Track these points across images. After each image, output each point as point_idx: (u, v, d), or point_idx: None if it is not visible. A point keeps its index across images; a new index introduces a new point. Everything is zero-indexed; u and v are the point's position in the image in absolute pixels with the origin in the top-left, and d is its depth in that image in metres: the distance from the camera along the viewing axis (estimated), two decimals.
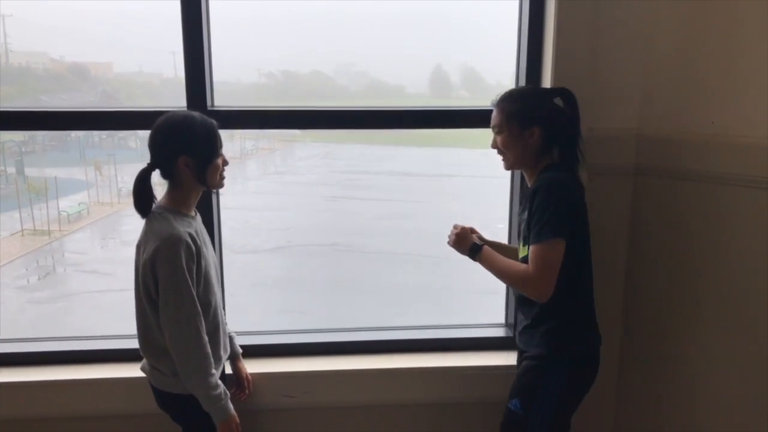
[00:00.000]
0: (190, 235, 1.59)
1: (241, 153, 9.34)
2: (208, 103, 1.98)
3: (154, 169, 1.61)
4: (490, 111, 1.74)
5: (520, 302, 1.73)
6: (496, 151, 1.73)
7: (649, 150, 1.99)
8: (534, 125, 1.64)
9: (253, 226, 8.09)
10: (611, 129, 1.99)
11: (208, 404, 1.62)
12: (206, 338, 1.61)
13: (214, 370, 1.62)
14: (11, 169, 7.96)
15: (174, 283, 1.54)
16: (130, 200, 1.61)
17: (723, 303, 1.90)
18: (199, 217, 1.73)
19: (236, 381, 1.95)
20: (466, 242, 1.73)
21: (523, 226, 1.67)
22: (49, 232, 7.56)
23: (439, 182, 9.72)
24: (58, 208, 7.74)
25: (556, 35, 1.92)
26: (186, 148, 1.59)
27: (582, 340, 1.70)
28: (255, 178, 9.96)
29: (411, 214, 8.29)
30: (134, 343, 1.72)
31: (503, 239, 2.15)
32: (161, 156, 1.60)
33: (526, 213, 1.65)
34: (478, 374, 2.09)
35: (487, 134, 1.77)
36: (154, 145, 1.60)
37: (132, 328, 1.69)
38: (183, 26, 1.93)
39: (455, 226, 1.78)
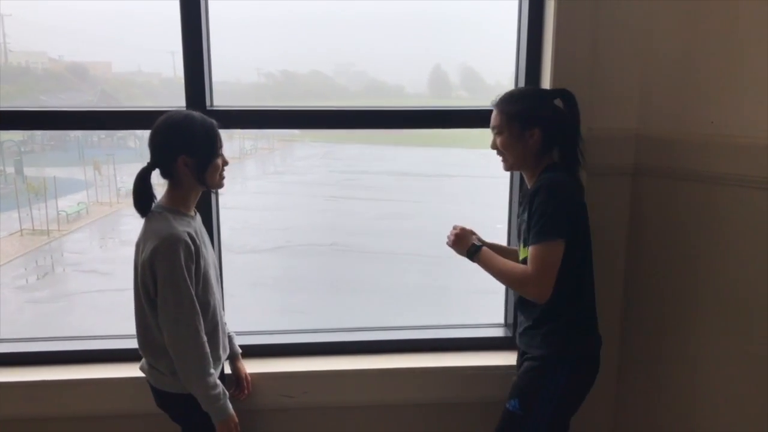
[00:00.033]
0: (189, 234, 1.59)
1: (240, 153, 9.33)
2: (208, 102, 1.98)
3: (153, 169, 1.61)
4: (490, 111, 1.74)
5: (520, 303, 1.73)
6: (495, 152, 1.73)
7: (648, 150, 1.99)
8: (534, 126, 1.64)
9: (253, 226, 8.08)
10: (610, 129, 2.00)
11: (206, 404, 1.62)
12: (205, 338, 1.61)
13: (212, 370, 1.62)
14: (10, 169, 7.95)
15: (173, 282, 1.54)
16: (130, 200, 1.62)
17: (722, 303, 1.90)
18: (198, 217, 1.73)
19: (235, 381, 1.95)
20: (465, 243, 1.73)
21: (523, 227, 1.67)
22: (48, 232, 7.55)
23: (438, 182, 9.72)
24: (57, 207, 7.73)
25: (556, 35, 1.92)
26: (185, 147, 1.59)
27: (583, 342, 1.70)
28: (254, 177, 9.95)
29: (410, 214, 8.28)
30: (133, 343, 1.72)
31: (502, 239, 2.15)
32: (161, 155, 1.60)
33: (525, 214, 1.65)
34: (477, 374, 2.09)
35: (486, 134, 1.77)
36: (153, 144, 1.60)
37: (131, 327, 1.69)
38: (182, 26, 1.92)
39: (455, 227, 1.78)
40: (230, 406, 1.66)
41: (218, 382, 1.64)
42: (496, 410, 1.78)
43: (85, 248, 7.87)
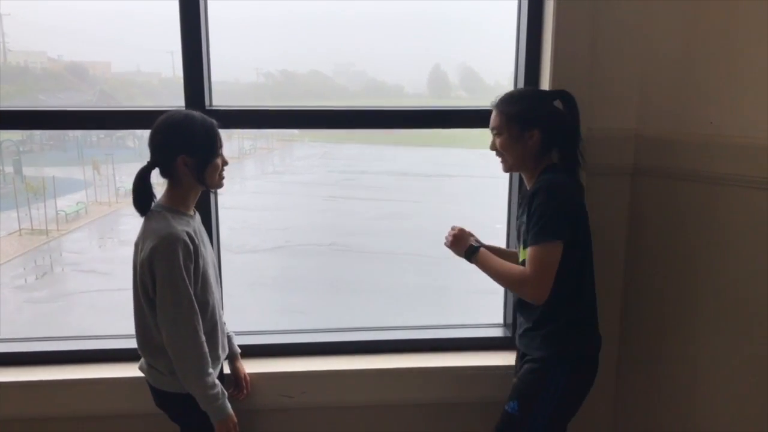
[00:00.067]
0: (188, 233, 1.58)
1: (239, 153, 9.33)
2: (207, 102, 1.98)
3: (153, 168, 1.61)
4: (489, 111, 1.73)
5: (520, 305, 1.72)
6: (494, 153, 1.73)
7: (647, 150, 1.99)
8: (533, 127, 1.63)
9: (252, 226, 8.08)
10: (610, 129, 2.00)
11: (205, 403, 1.62)
12: (203, 337, 1.61)
13: (211, 369, 1.62)
14: (9, 169, 7.95)
15: (171, 281, 1.54)
16: (129, 200, 1.62)
17: (721, 303, 1.90)
18: (198, 217, 1.73)
19: (234, 381, 1.95)
20: (463, 243, 1.73)
21: (522, 229, 1.67)
22: (47, 232, 7.54)
23: (437, 182, 9.72)
24: (56, 207, 7.73)
25: (555, 35, 1.92)
26: (185, 147, 1.58)
27: (583, 343, 1.70)
28: (253, 177, 9.95)
29: (410, 214, 8.29)
30: (132, 343, 1.72)
31: (501, 239, 2.15)
32: (160, 154, 1.60)
33: (524, 216, 1.64)
34: (476, 374, 2.08)
35: (485, 134, 1.77)
36: (153, 143, 1.60)
37: (130, 327, 1.69)
38: (181, 26, 1.92)
39: (453, 228, 1.78)
40: (229, 405, 1.66)
41: (216, 381, 1.64)
42: (495, 410, 1.78)
43: (83, 248, 7.87)
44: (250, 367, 2.01)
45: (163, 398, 1.71)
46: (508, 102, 1.68)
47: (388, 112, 2.08)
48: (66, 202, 7.98)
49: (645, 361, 2.11)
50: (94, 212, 8.10)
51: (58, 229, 7.65)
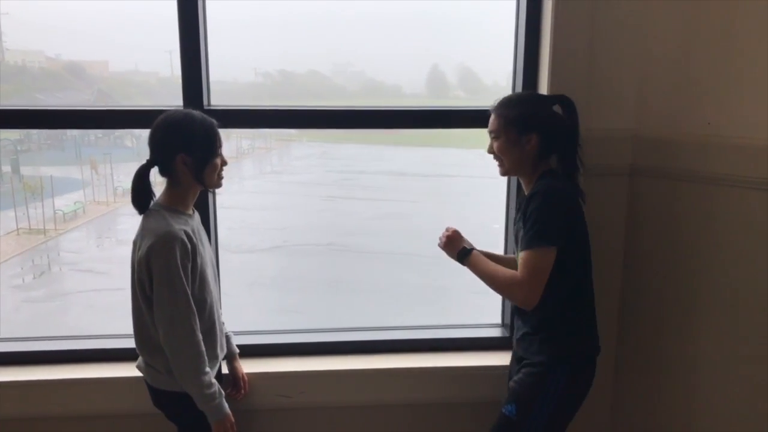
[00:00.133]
0: (186, 232, 1.59)
1: (237, 152, 9.32)
2: (205, 102, 1.98)
3: (152, 166, 1.62)
4: (487, 111, 1.74)
5: (519, 309, 1.72)
6: (492, 156, 1.73)
7: (645, 150, 1.99)
8: (531, 132, 1.63)
9: (250, 226, 8.07)
10: (608, 129, 2.00)
11: (202, 403, 1.62)
12: (200, 336, 1.61)
13: (208, 369, 1.62)
14: (6, 168, 7.92)
15: (168, 280, 1.54)
16: (127, 199, 1.62)
17: (719, 303, 1.90)
18: (197, 216, 1.73)
19: (232, 381, 1.95)
20: (456, 245, 1.73)
21: (521, 234, 1.66)
22: (44, 231, 7.53)
23: (436, 182, 9.72)
24: (54, 206, 7.71)
25: (553, 36, 1.92)
26: (184, 146, 1.59)
27: (582, 348, 1.70)
28: (251, 177, 9.94)
29: (408, 214, 8.28)
30: (130, 343, 1.72)
31: (500, 239, 2.15)
32: (160, 153, 1.61)
33: (522, 221, 1.64)
34: (475, 374, 2.09)
35: (484, 134, 1.77)
36: (153, 141, 1.61)
37: (127, 327, 1.69)
38: (179, 25, 1.92)
39: (447, 229, 1.78)
40: (226, 405, 1.66)
41: (213, 381, 1.64)
42: (493, 410, 1.78)
43: (81, 247, 7.85)
44: (248, 366, 2.01)
45: (160, 397, 1.71)
46: (506, 105, 1.68)
47: (387, 112, 2.08)
48: (64, 202, 7.96)
49: (643, 361, 2.11)
50: (92, 212, 8.08)
51: (55, 229, 7.63)
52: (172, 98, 2.00)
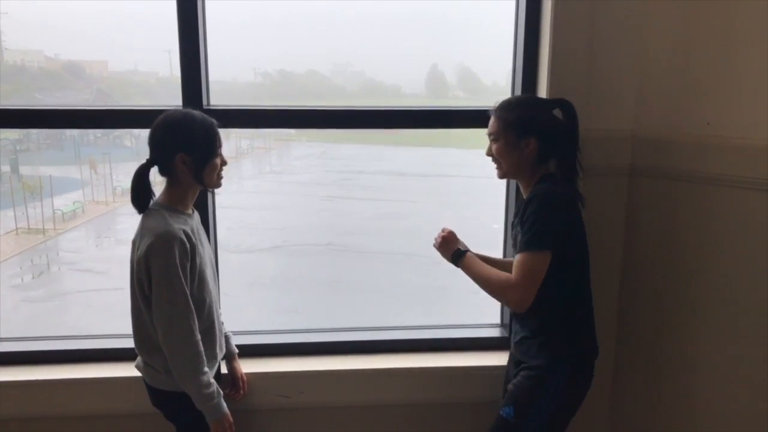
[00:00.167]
0: (185, 232, 1.58)
1: (236, 152, 9.32)
2: (204, 102, 1.98)
3: (152, 166, 1.61)
4: (486, 111, 1.74)
5: (519, 313, 1.71)
6: (490, 158, 1.73)
7: (644, 151, 2.00)
8: (530, 135, 1.63)
9: (249, 226, 8.07)
10: (607, 130, 2.00)
11: (200, 402, 1.62)
12: (199, 336, 1.60)
13: (206, 368, 1.62)
14: (6, 168, 7.92)
15: (167, 279, 1.54)
16: (125, 199, 1.62)
17: (718, 303, 1.90)
18: (196, 215, 1.73)
19: (231, 381, 1.95)
20: (452, 246, 1.72)
21: (519, 238, 1.66)
22: (43, 231, 7.53)
23: (435, 182, 9.72)
24: (53, 206, 7.71)
25: (552, 36, 1.92)
26: (184, 145, 1.59)
27: (581, 351, 1.70)
28: (251, 177, 9.94)
29: (407, 214, 8.29)
30: (128, 343, 1.72)
31: (499, 239, 2.15)
32: (159, 153, 1.61)
33: (519, 225, 1.64)
34: (474, 374, 2.09)
35: (483, 134, 1.77)
36: (153, 141, 1.61)
37: (126, 327, 1.69)
38: (179, 25, 1.92)
39: (443, 229, 1.77)
40: (224, 405, 1.66)
41: (212, 380, 1.64)
42: (492, 410, 1.78)
43: (80, 247, 7.85)
44: (248, 366, 2.00)
45: (159, 397, 1.71)
46: (506, 108, 1.67)
47: (386, 112, 2.08)
48: (63, 201, 7.96)
49: (642, 361, 2.11)
50: (91, 211, 8.08)
51: (54, 228, 7.63)
52: (171, 98, 1.99)
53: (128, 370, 1.86)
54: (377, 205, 8.80)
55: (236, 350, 1.97)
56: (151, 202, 1.63)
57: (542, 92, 1.99)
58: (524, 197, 1.69)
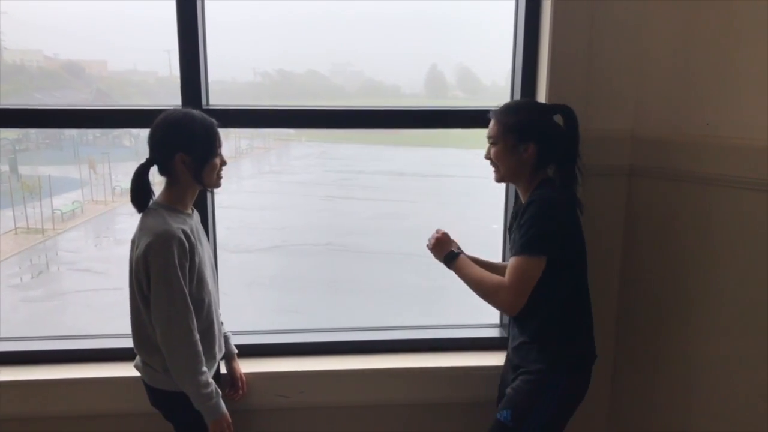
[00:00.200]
0: (184, 231, 1.58)
1: (236, 152, 9.32)
2: (203, 101, 1.98)
3: (151, 165, 1.62)
4: (485, 111, 1.74)
5: (517, 317, 1.71)
6: (489, 162, 1.72)
7: (643, 151, 2.00)
8: (529, 140, 1.63)
9: (249, 225, 8.07)
10: (606, 130, 2.00)
11: (198, 402, 1.62)
12: (197, 336, 1.60)
13: (204, 368, 1.62)
14: (4, 167, 7.91)
15: (165, 279, 1.54)
16: (125, 199, 1.63)
17: (717, 304, 1.90)
18: (196, 215, 1.73)
19: (230, 381, 1.95)
20: (445, 248, 1.72)
21: (515, 241, 1.66)
22: (42, 231, 7.52)
23: (434, 182, 9.72)
24: (52, 206, 7.70)
25: (552, 36, 1.92)
26: (183, 145, 1.59)
27: (580, 357, 1.70)
28: (250, 177, 9.94)
29: (407, 214, 8.28)
30: (127, 342, 1.72)
31: (498, 240, 2.15)
32: (159, 152, 1.61)
33: (516, 229, 1.64)
34: (473, 374, 2.09)
35: (482, 134, 1.77)
36: (152, 140, 1.61)
37: (125, 326, 1.69)
38: (178, 25, 1.92)
39: (437, 231, 1.77)
40: (223, 405, 1.66)
41: (210, 380, 1.64)
42: (491, 410, 1.78)
43: (79, 247, 7.84)
44: (247, 366, 2.00)
45: (157, 397, 1.71)
46: (506, 112, 1.67)
47: (386, 112, 2.08)
48: (62, 201, 7.95)
49: (640, 361, 2.11)
50: (90, 211, 8.07)
51: (53, 228, 7.62)
52: (170, 98, 1.99)
53: (127, 370, 1.86)
54: (376, 205, 8.80)
55: (236, 350, 1.96)
56: (151, 201, 1.63)
57: (542, 92, 1.99)
58: (522, 202, 1.68)
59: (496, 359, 2.11)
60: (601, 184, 2.01)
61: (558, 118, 1.70)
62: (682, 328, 1.99)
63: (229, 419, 1.67)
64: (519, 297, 1.56)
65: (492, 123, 1.69)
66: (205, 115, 1.65)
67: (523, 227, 1.57)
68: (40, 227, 7.52)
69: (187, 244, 1.58)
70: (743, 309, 1.85)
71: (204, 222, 1.95)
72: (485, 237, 1.85)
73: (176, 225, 1.58)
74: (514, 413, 1.66)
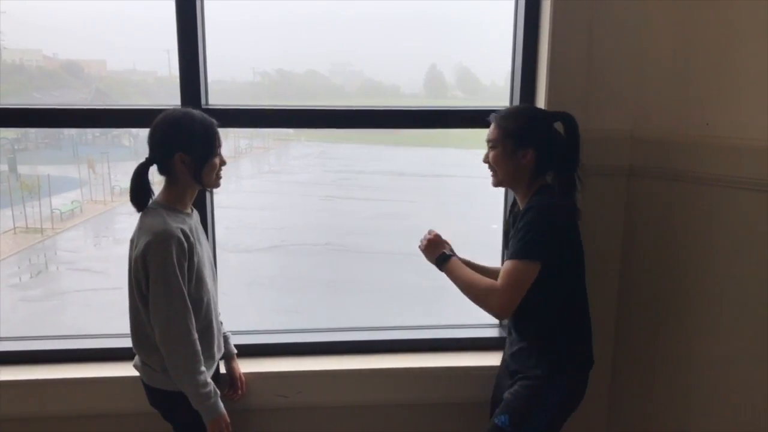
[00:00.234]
0: (183, 231, 1.58)
1: (235, 152, 9.32)
2: (203, 101, 1.97)
3: (151, 164, 1.61)
4: (484, 111, 1.74)
5: (516, 323, 1.71)
6: (487, 165, 1.72)
7: (643, 151, 2.00)
8: (528, 146, 1.62)
9: (248, 225, 8.07)
10: (606, 130, 2.00)
11: (197, 402, 1.62)
12: (196, 335, 1.60)
13: (203, 368, 1.62)
14: (4, 167, 7.91)
15: (164, 278, 1.54)
16: (124, 198, 1.63)
17: (717, 304, 1.90)
18: (196, 215, 1.73)
19: (230, 381, 1.95)
20: (437, 250, 1.71)
21: (510, 245, 1.65)
22: (41, 230, 7.52)
23: (434, 182, 9.73)
24: (51, 206, 7.70)
25: (552, 36, 1.92)
26: (183, 145, 1.59)
27: (578, 362, 1.70)
28: (249, 176, 9.94)
29: (406, 213, 8.28)
30: (126, 342, 1.71)
31: (497, 240, 2.15)
32: (158, 151, 1.61)
33: (513, 235, 1.63)
34: (472, 374, 2.09)
35: (481, 134, 1.77)
36: (152, 139, 1.61)
37: (124, 326, 1.69)
38: (178, 25, 1.92)
39: (429, 232, 1.76)
40: (221, 405, 1.65)
41: (209, 380, 1.63)
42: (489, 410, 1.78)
43: (78, 246, 7.84)
44: (246, 366, 2.00)
45: (156, 396, 1.71)
46: (507, 117, 1.66)
47: (385, 111, 2.08)
48: (61, 201, 7.95)
49: (639, 361, 2.11)
50: (89, 211, 8.07)
51: (53, 228, 7.62)
52: (169, 97, 1.99)
53: (126, 370, 1.86)
54: (376, 205, 8.80)
55: (235, 351, 1.96)
56: (151, 201, 1.63)
57: (541, 92, 1.99)
58: (520, 207, 1.68)
59: (495, 359, 2.11)
60: (601, 184, 2.01)
61: (559, 126, 1.69)
62: (682, 328, 1.99)
63: (228, 419, 1.67)
64: (510, 301, 1.55)
65: (492, 127, 1.69)
66: (206, 115, 1.64)
67: (521, 231, 1.56)
68: (39, 227, 7.52)
69: (185, 244, 1.58)
70: (743, 309, 1.85)
71: (203, 222, 1.95)
72: (485, 237, 1.85)
73: (175, 224, 1.58)
74: (513, 418, 1.65)
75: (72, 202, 8.01)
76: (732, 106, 1.82)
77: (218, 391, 1.66)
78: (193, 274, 1.62)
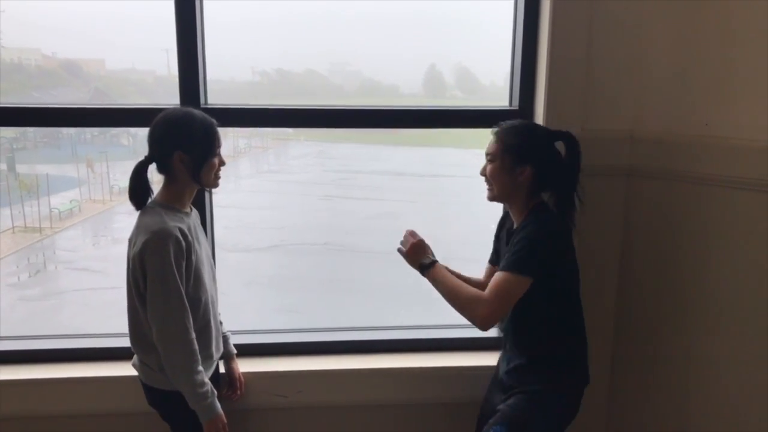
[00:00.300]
0: (181, 230, 1.58)
1: (234, 151, 9.30)
2: (202, 100, 1.97)
3: (150, 163, 1.62)
4: (484, 111, 1.74)
5: (516, 341, 1.70)
6: (483, 179, 1.71)
7: (642, 151, 2.00)
8: (526, 164, 1.62)
9: (247, 225, 8.06)
10: (605, 130, 2.00)
11: (193, 402, 1.62)
12: (193, 335, 1.60)
13: (200, 368, 1.61)
14: (2, 166, 7.89)
15: (162, 277, 1.54)
16: (123, 198, 1.63)
17: (716, 304, 1.91)
18: (195, 214, 1.73)
19: (229, 381, 1.95)
20: (421, 254, 1.69)
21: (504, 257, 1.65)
22: (40, 230, 7.50)
23: (432, 182, 9.72)
24: (50, 205, 7.69)
25: (551, 36, 1.92)
26: (182, 144, 1.59)
27: (576, 377, 1.70)
28: (248, 176, 9.93)
29: (405, 213, 8.28)
30: (125, 341, 1.71)
31: None
32: (158, 150, 1.61)
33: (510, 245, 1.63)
34: (471, 374, 2.09)
35: (480, 134, 1.77)
36: (152, 138, 1.61)
37: (123, 326, 1.69)
38: (177, 24, 1.92)
39: (412, 234, 1.73)
40: (218, 405, 1.65)
41: (206, 380, 1.63)
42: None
43: (77, 246, 7.83)
44: (245, 366, 2.00)
45: (154, 396, 1.71)
46: (508, 132, 1.66)
47: (384, 111, 2.08)
48: (59, 200, 7.93)
49: (638, 361, 2.11)
50: (88, 210, 8.05)
51: (51, 227, 7.61)
52: (169, 97, 1.99)
53: (125, 369, 1.86)
54: (375, 205, 8.79)
55: (234, 351, 1.96)
56: (149, 199, 1.63)
57: (540, 92, 1.99)
58: (515, 224, 1.68)
59: (494, 359, 2.11)
60: (600, 184, 2.01)
61: (560, 146, 1.69)
62: (681, 329, 1.99)
63: (224, 419, 1.67)
64: (495, 312, 1.54)
65: (492, 140, 1.68)
66: (206, 115, 1.64)
67: (517, 245, 1.56)
68: (38, 226, 7.50)
69: (183, 243, 1.58)
70: (742, 309, 1.85)
71: (202, 221, 1.95)
72: (484, 237, 1.84)
73: (173, 223, 1.58)
74: (510, 428, 1.63)
75: (71, 202, 8.00)
76: (731, 107, 1.82)
77: (215, 391, 1.66)
78: (191, 273, 1.62)
